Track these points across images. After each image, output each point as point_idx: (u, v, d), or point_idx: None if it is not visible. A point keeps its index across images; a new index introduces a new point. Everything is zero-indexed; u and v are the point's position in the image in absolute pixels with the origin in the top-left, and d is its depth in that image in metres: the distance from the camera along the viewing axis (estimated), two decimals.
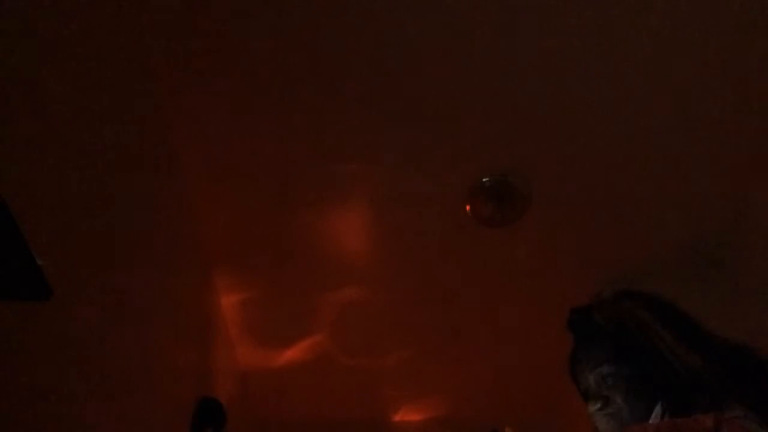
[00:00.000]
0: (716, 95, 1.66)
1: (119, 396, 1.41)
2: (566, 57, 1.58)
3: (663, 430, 0.94)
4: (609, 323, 1.13)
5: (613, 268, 2.13)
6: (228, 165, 1.85)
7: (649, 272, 2.13)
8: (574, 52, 1.57)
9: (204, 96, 1.65)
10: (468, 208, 1.97)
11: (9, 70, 0.98)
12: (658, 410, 1.00)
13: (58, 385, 1.13)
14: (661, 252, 2.10)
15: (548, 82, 1.63)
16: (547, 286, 2.24)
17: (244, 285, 2.30)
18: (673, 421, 0.94)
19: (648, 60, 1.58)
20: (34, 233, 0.84)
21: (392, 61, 1.59)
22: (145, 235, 1.58)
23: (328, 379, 2.77)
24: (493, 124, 1.74)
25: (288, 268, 2.22)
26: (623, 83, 1.64)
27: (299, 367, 2.67)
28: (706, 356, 0.99)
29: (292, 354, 2.63)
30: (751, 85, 1.63)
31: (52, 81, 1.11)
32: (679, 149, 1.80)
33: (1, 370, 0.94)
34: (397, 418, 3.05)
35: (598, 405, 1.07)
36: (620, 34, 1.53)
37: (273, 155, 1.82)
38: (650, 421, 0.99)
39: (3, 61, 0.96)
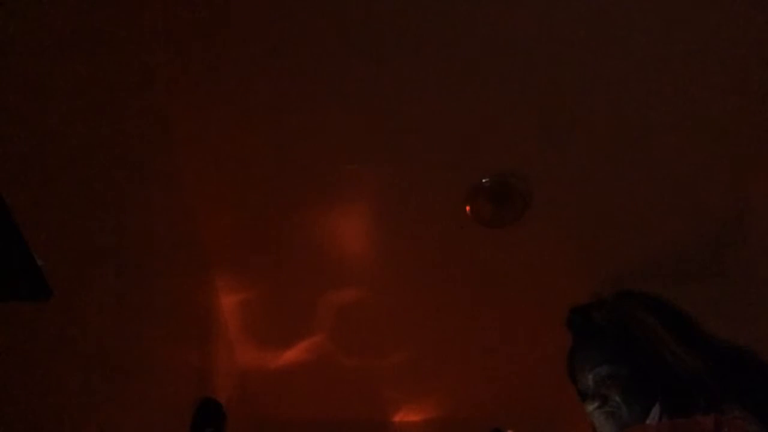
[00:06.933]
0: (716, 95, 1.66)
1: (119, 396, 1.41)
2: (566, 57, 1.58)
3: (663, 431, 0.94)
4: (609, 323, 1.13)
5: (613, 269, 2.13)
6: (228, 165, 1.85)
7: (648, 273, 2.13)
8: (574, 53, 1.57)
9: (204, 96, 1.65)
10: (468, 208, 1.97)
11: (9, 70, 0.98)
12: (656, 410, 1.00)
13: (58, 385, 1.13)
14: (661, 253, 2.10)
15: (548, 83, 1.63)
16: (547, 286, 2.24)
17: (244, 285, 2.30)
18: (674, 422, 0.94)
19: (648, 60, 1.58)
20: (34, 233, 0.84)
21: (392, 62, 1.59)
22: (145, 234, 1.58)
23: (328, 380, 2.77)
24: (493, 124, 1.74)
25: (288, 268, 2.22)
26: (623, 83, 1.64)
27: (299, 367, 2.67)
28: (705, 357, 0.99)
29: (291, 354, 2.63)
30: (751, 84, 1.63)
31: (51, 81, 1.11)
32: (680, 150, 1.80)
33: (1, 370, 0.94)
34: (397, 418, 3.05)
35: (597, 403, 1.07)
36: (620, 35, 1.53)
37: (273, 155, 1.82)
38: (648, 422, 0.99)
39: (3, 61, 0.96)
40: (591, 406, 1.08)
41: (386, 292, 2.33)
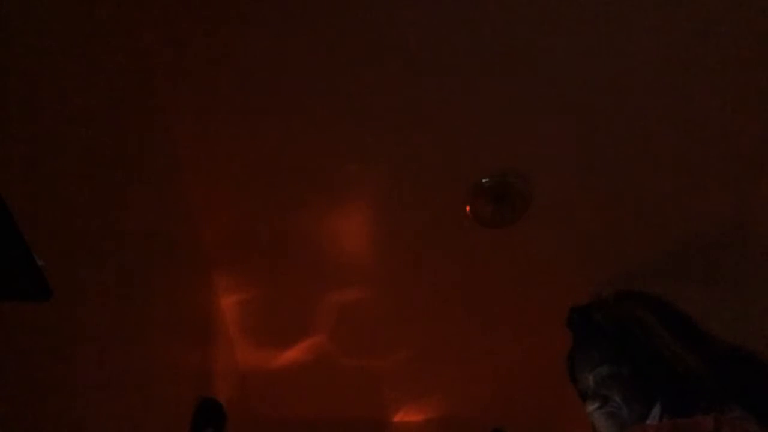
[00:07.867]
0: (716, 95, 1.66)
1: (119, 396, 1.41)
2: (566, 57, 1.58)
3: (663, 431, 0.94)
4: (609, 323, 1.13)
5: (613, 269, 2.13)
6: (228, 165, 1.85)
7: (648, 273, 2.13)
8: (574, 53, 1.57)
9: (204, 96, 1.65)
10: (468, 208, 1.97)
11: (9, 70, 0.98)
12: (656, 411, 0.99)
13: (58, 385, 1.13)
14: (660, 253, 2.10)
15: (548, 83, 1.63)
16: (547, 286, 2.24)
17: (244, 285, 2.30)
18: (674, 422, 0.94)
19: (648, 60, 1.58)
20: (34, 233, 0.84)
21: (392, 62, 1.59)
22: (145, 235, 1.58)
23: (328, 380, 2.77)
24: (493, 124, 1.74)
25: (288, 268, 2.22)
26: (623, 83, 1.64)
27: (299, 367, 2.67)
28: (706, 357, 0.99)
29: (291, 354, 2.63)
30: (751, 85, 1.63)
31: (52, 81, 1.11)
32: (679, 150, 1.80)
33: (1, 370, 0.94)
34: (397, 418, 3.05)
35: (597, 404, 1.06)
36: (620, 35, 1.53)
37: (273, 155, 1.82)
38: (648, 422, 0.99)
39: (3, 61, 0.96)
40: (591, 407, 1.08)
41: (386, 292, 2.33)
